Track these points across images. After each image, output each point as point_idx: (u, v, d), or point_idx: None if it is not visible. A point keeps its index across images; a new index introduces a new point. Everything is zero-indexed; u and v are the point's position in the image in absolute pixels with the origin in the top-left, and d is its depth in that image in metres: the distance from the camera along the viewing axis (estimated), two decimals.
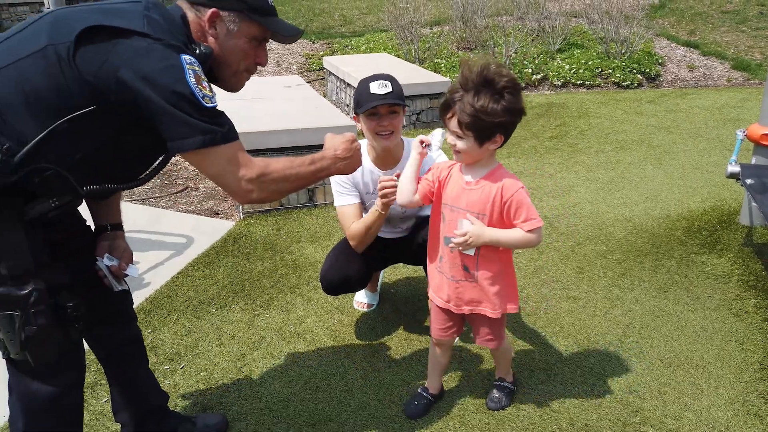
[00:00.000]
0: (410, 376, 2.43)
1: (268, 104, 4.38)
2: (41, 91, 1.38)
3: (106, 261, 1.78)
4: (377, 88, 2.30)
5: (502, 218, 1.90)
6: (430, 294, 2.14)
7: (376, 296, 2.97)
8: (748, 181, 3.01)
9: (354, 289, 2.67)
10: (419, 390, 2.28)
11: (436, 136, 2.07)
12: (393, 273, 3.21)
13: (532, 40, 8.88)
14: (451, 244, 1.93)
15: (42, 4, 10.47)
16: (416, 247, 2.48)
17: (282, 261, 3.37)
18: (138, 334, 2.01)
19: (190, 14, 1.55)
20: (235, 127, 1.51)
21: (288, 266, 3.31)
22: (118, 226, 1.88)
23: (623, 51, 8.28)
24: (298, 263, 3.35)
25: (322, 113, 4.20)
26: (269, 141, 3.67)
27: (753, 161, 3.44)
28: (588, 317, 2.78)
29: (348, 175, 2.39)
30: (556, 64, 8.15)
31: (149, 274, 3.24)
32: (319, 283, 3.07)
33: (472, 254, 1.93)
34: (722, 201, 4.01)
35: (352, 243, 2.48)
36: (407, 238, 2.60)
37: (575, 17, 9.82)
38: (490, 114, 1.77)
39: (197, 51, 1.50)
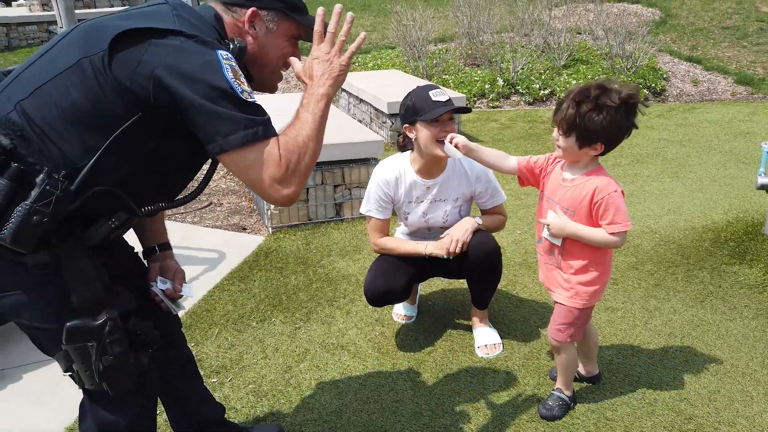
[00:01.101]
0: (459, 386, 2.45)
1: None
2: (81, 108, 1.33)
3: (159, 285, 1.73)
4: (438, 95, 2.36)
5: (591, 217, 2.03)
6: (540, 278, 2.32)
7: (414, 308, 2.99)
8: None
9: (397, 301, 2.70)
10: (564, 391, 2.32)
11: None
12: (429, 286, 3.23)
13: (538, 56, 8.99)
14: (543, 233, 2.16)
15: (52, 23, 10.53)
16: (458, 263, 2.51)
17: (315, 275, 3.39)
18: (190, 354, 2.00)
19: (226, 16, 1.51)
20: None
21: (322, 280, 3.33)
22: (166, 246, 1.84)
23: (628, 66, 8.40)
24: (332, 277, 3.37)
25: (348, 128, 4.25)
26: None
27: None
28: (628, 327, 2.81)
29: (386, 190, 2.56)
30: (562, 79, 8.25)
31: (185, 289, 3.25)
32: (356, 296, 3.13)
33: (558, 243, 2.11)
34: (745, 212, 4.06)
35: (375, 248, 2.64)
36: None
37: (579, 33, 9.96)
38: (589, 122, 1.89)
39: (231, 46, 1.45)
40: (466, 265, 2.54)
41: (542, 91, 7.93)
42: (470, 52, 9.20)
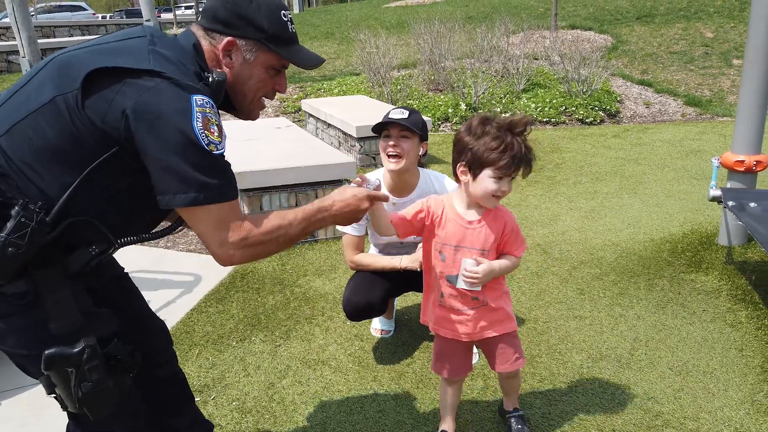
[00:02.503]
0: (439, 394, 2.53)
1: (266, 144, 4.51)
2: (56, 145, 1.33)
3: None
4: (395, 114, 2.50)
5: (499, 250, 2.00)
6: (435, 329, 2.14)
7: (392, 323, 3.07)
8: (730, 203, 3.27)
9: (375, 315, 2.78)
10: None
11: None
12: (405, 301, 3.33)
13: (498, 81, 9.30)
14: (462, 286, 1.96)
15: (12, 53, 10.40)
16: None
17: (293, 294, 3.45)
18: (181, 374, 1.99)
19: (204, 42, 1.50)
20: (236, 182, 1.43)
21: (299, 299, 3.39)
22: None
23: (584, 90, 8.75)
24: (309, 295, 3.43)
25: (320, 151, 4.35)
26: (275, 179, 3.79)
27: (728, 185, 3.74)
28: (596, 333, 2.95)
29: None
30: (522, 103, 8.55)
31: (163, 312, 3.27)
32: (334, 313, 3.20)
33: (479, 289, 1.98)
34: (699, 224, 4.29)
35: (350, 265, 2.76)
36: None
37: (536, 59, 10.34)
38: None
39: (210, 79, 1.44)
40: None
41: (503, 115, 8.19)
42: (433, 77, 9.46)
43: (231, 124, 5.90)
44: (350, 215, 1.60)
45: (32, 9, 21.93)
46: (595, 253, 3.87)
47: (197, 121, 1.31)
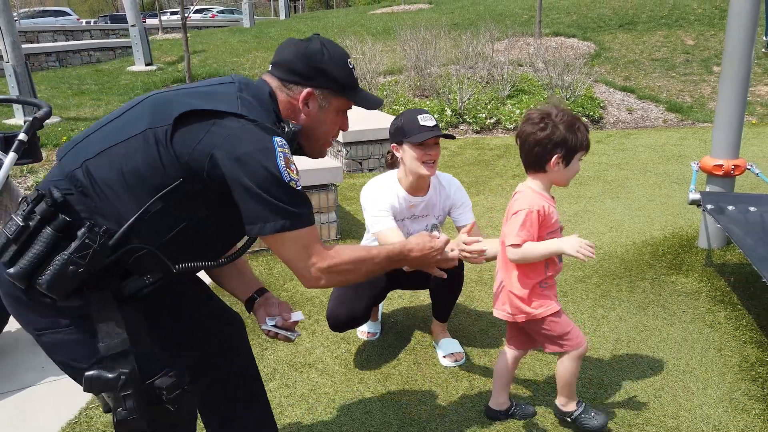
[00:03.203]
0: (425, 395, 2.56)
1: None
2: (140, 174, 1.42)
3: (269, 323, 1.81)
4: (425, 120, 2.47)
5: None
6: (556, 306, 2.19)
7: (378, 325, 3.10)
8: (709, 207, 3.34)
9: (359, 325, 2.79)
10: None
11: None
12: (391, 304, 3.36)
13: (483, 87, 9.39)
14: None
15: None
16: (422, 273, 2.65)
17: (279, 298, 3.46)
18: (255, 365, 2.00)
19: (281, 94, 1.61)
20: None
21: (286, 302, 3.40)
22: (262, 290, 1.90)
23: (567, 96, 8.86)
24: (295, 299, 3.45)
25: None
26: None
27: (707, 189, 3.81)
28: None
29: (384, 200, 2.57)
30: (507, 108, 8.64)
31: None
32: (320, 317, 3.22)
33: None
34: (680, 228, 4.37)
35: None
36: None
37: (521, 66, 10.45)
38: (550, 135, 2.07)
39: (286, 129, 1.56)
40: (431, 290, 2.72)
41: (488, 120, 8.28)
42: (419, 83, 9.52)
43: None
44: (424, 262, 1.77)
45: (16, 14, 21.77)
46: None
47: (280, 159, 1.42)
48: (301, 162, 4.10)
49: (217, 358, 1.87)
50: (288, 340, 1.81)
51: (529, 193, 2.14)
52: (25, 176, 5.68)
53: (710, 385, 2.57)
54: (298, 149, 1.70)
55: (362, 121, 6.26)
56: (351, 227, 4.58)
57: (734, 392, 2.51)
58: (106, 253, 1.41)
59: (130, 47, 12.51)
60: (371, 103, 1.73)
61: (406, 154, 2.53)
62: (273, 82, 1.62)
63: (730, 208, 3.32)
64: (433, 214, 2.70)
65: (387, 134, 6.29)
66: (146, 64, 12.18)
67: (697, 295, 3.36)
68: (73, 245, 1.37)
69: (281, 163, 1.42)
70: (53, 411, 2.48)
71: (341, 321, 2.68)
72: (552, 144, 2.06)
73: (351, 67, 1.67)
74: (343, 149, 6.02)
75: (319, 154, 1.75)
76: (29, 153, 2.89)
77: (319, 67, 1.59)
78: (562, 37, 12.42)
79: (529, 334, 2.27)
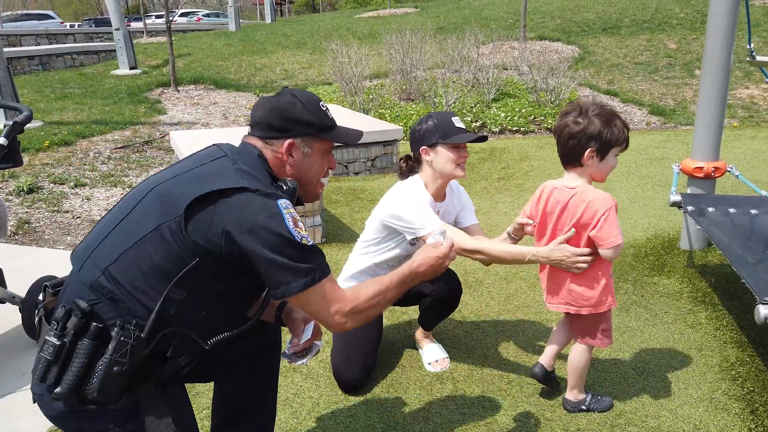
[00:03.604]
0: (409, 398, 2.57)
1: None
2: (160, 266, 1.47)
3: (287, 350, 1.88)
4: (459, 122, 2.45)
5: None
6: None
7: None
8: (690, 208, 3.38)
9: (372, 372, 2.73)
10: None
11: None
12: None
13: (469, 91, 9.43)
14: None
15: None
16: (417, 294, 2.67)
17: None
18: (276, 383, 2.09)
19: (267, 152, 1.66)
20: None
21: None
22: (280, 310, 1.95)
23: (552, 99, 8.93)
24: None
25: None
26: None
27: (688, 191, 3.86)
28: None
29: (423, 202, 2.46)
30: (492, 112, 8.69)
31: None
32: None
33: None
34: (662, 230, 4.42)
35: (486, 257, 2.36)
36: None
37: (506, 69, 10.51)
38: (586, 129, 2.13)
39: (284, 188, 1.62)
40: (429, 297, 2.70)
41: (474, 124, 8.32)
42: (404, 87, 9.55)
43: (207, 132, 5.89)
44: (436, 272, 1.81)
45: None
46: None
47: (289, 222, 1.49)
48: None
49: (245, 369, 1.94)
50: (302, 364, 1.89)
51: (591, 189, 2.19)
52: (7, 181, 5.63)
53: (691, 384, 2.59)
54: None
55: (348, 124, 6.26)
56: (336, 231, 4.58)
57: (714, 392, 2.54)
58: (143, 345, 1.46)
59: (114, 51, 12.44)
60: (351, 137, 1.80)
61: (440, 156, 2.43)
62: (257, 143, 1.67)
63: (711, 209, 3.36)
64: (448, 220, 2.64)
65: (372, 138, 6.31)
66: (131, 68, 12.12)
67: (679, 296, 3.40)
68: (111, 347, 1.42)
69: (290, 225, 1.49)
70: (36, 417, 2.46)
71: (354, 386, 2.61)
72: (586, 137, 2.10)
73: (324, 108, 1.72)
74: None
75: (313, 197, 1.82)
76: (9, 158, 2.86)
77: (295, 117, 1.66)
78: (546, 41, 12.52)
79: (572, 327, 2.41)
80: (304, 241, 1.51)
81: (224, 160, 1.58)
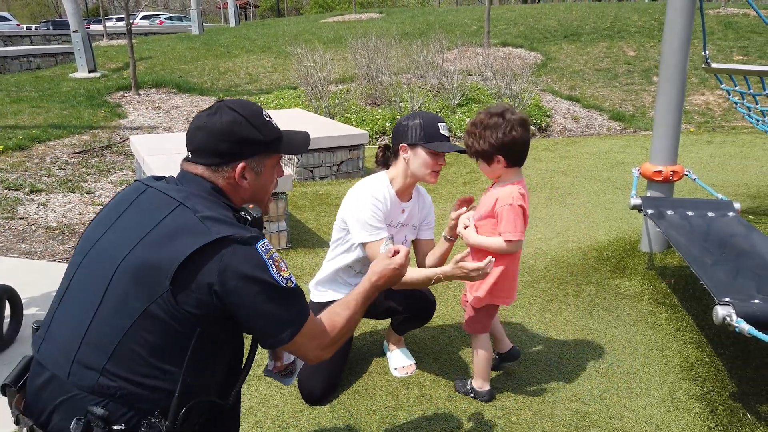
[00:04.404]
0: (376, 404, 2.54)
1: None
2: (161, 346, 1.37)
3: (268, 367, 1.81)
4: (444, 129, 2.41)
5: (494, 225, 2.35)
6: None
7: None
8: (649, 211, 3.45)
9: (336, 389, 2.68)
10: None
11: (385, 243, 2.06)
12: None
13: (434, 96, 9.48)
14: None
15: None
16: (387, 306, 2.65)
17: None
18: None
19: (218, 180, 1.54)
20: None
21: None
22: None
23: (516, 105, 9.03)
24: None
25: None
26: None
27: (648, 194, 3.94)
28: (527, 339, 3.03)
29: (381, 210, 2.43)
30: (457, 117, 8.75)
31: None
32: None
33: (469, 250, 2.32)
34: (623, 232, 4.50)
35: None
36: (379, 297, 2.63)
37: (470, 75, 10.61)
38: (472, 145, 2.27)
39: (250, 218, 1.50)
40: (401, 313, 2.68)
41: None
42: (370, 92, 9.55)
43: (168, 137, 5.78)
44: (392, 282, 1.78)
45: None
46: (527, 262, 3.99)
47: (272, 268, 1.42)
48: None
49: None
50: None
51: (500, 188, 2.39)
52: None
53: (653, 385, 2.64)
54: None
55: (314, 129, 6.23)
56: (302, 236, 4.54)
57: (676, 392, 2.59)
58: (174, 430, 1.40)
59: (73, 54, 12.15)
60: (300, 145, 1.72)
61: (418, 157, 2.40)
62: (204, 173, 1.54)
63: (669, 212, 3.43)
64: (412, 223, 2.62)
65: (338, 142, 6.28)
66: (90, 71, 11.85)
67: (640, 297, 3.46)
68: None
69: (274, 271, 1.43)
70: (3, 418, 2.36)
71: (321, 394, 2.56)
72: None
73: (268, 119, 1.61)
74: (294, 157, 5.97)
75: (265, 210, 1.71)
76: None
77: (242, 138, 1.53)
78: (509, 48, 12.69)
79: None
80: (288, 284, 1.45)
81: (182, 212, 1.42)
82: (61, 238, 4.66)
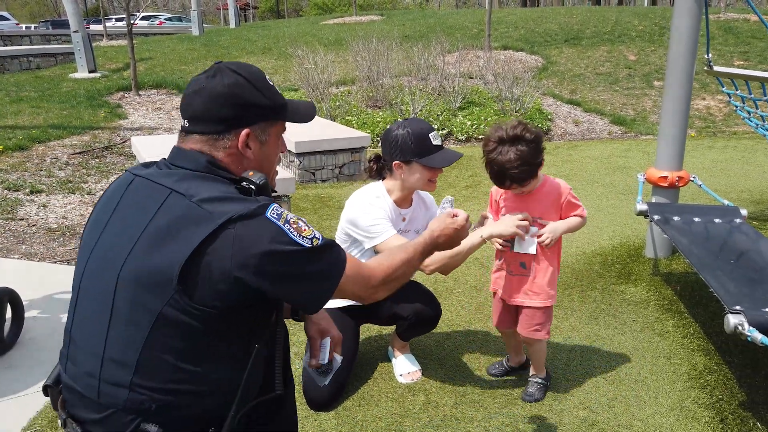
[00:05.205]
0: (381, 411, 2.52)
1: None
2: (186, 351, 1.27)
3: (305, 361, 1.74)
4: (436, 139, 2.35)
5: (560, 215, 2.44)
6: (492, 288, 2.62)
7: None
8: (656, 217, 3.43)
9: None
10: (504, 359, 2.79)
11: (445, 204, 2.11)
12: None
13: (435, 99, 9.47)
14: (540, 240, 2.39)
15: None
16: (392, 312, 2.64)
17: None
18: None
19: (218, 153, 1.38)
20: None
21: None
22: (298, 318, 1.75)
23: (517, 108, 9.03)
24: None
25: None
26: None
27: (653, 200, 3.92)
28: None
29: (383, 209, 2.43)
30: (458, 120, 8.73)
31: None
32: None
33: (534, 252, 2.40)
34: (627, 238, 4.48)
35: (429, 269, 2.26)
36: (384, 303, 2.60)
37: (471, 78, 10.60)
38: (528, 158, 2.25)
39: (254, 185, 1.36)
40: (406, 320, 2.65)
41: (440, 132, 8.34)
42: (371, 94, 9.53)
43: (163, 138, 5.75)
44: (453, 243, 1.76)
45: None
46: None
47: (291, 233, 1.29)
48: None
49: None
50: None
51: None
52: None
53: (661, 393, 2.61)
54: None
55: (316, 131, 6.21)
56: None
57: (684, 400, 2.56)
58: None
59: (73, 54, 12.12)
60: (304, 112, 1.56)
61: (414, 172, 2.38)
62: (201, 146, 1.38)
63: (676, 218, 3.41)
64: (414, 228, 2.60)
65: (340, 145, 6.26)
66: (90, 71, 11.82)
67: (646, 304, 3.44)
68: None
69: (294, 235, 1.29)
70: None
71: (323, 402, 2.54)
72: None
73: (272, 84, 1.47)
74: (296, 159, 5.94)
75: (272, 185, 1.57)
76: None
77: (246, 101, 1.39)
78: (510, 51, 12.68)
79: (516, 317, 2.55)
80: (315, 242, 1.31)
81: (176, 200, 1.28)
82: (61, 239, 4.62)
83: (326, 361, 1.69)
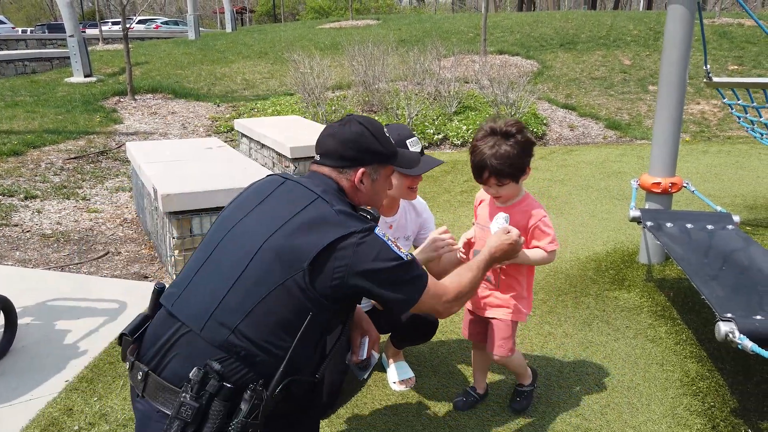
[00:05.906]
0: (375, 419, 2.52)
1: (196, 165, 4.40)
2: (289, 319, 1.56)
3: (347, 358, 2.00)
4: (415, 145, 2.28)
5: (527, 240, 2.29)
6: None
7: None
8: (649, 224, 3.44)
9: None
10: (467, 388, 2.64)
11: (499, 221, 2.20)
12: None
13: (431, 104, 9.48)
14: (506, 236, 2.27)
15: None
16: (391, 326, 2.62)
17: None
18: None
19: (342, 181, 1.79)
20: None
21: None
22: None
23: (512, 113, 9.04)
24: None
25: (254, 172, 4.29)
26: (205, 201, 3.69)
27: (646, 206, 3.93)
28: (526, 352, 3.01)
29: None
30: (454, 125, 8.75)
31: (85, 341, 3.11)
32: None
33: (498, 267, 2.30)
34: (621, 243, 4.49)
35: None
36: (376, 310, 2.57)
37: (467, 83, 10.62)
38: (514, 157, 2.15)
39: (371, 215, 1.75)
40: (401, 331, 2.64)
41: (436, 136, 8.36)
42: (367, 99, 9.54)
43: (159, 144, 5.74)
44: (507, 257, 2.11)
45: None
46: None
47: (393, 247, 1.66)
48: (244, 179, 4.02)
49: None
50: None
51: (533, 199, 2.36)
52: None
53: (654, 400, 2.62)
54: None
55: (311, 136, 6.20)
56: None
57: (677, 407, 2.57)
58: (271, 403, 1.53)
59: (69, 58, 12.11)
60: (409, 160, 2.05)
61: (392, 178, 2.29)
62: (331, 173, 1.80)
63: (669, 225, 3.43)
64: (404, 235, 2.61)
65: None
66: (85, 76, 11.81)
67: (639, 310, 3.45)
68: (244, 409, 1.47)
69: (395, 249, 1.66)
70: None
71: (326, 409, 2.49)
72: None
73: (388, 135, 1.88)
74: (291, 165, 5.95)
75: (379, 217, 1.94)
76: None
77: (366, 147, 1.80)
78: (506, 55, 12.71)
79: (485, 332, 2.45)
80: (408, 257, 1.68)
81: (320, 204, 1.66)
82: (56, 245, 4.62)
83: (365, 357, 1.98)
